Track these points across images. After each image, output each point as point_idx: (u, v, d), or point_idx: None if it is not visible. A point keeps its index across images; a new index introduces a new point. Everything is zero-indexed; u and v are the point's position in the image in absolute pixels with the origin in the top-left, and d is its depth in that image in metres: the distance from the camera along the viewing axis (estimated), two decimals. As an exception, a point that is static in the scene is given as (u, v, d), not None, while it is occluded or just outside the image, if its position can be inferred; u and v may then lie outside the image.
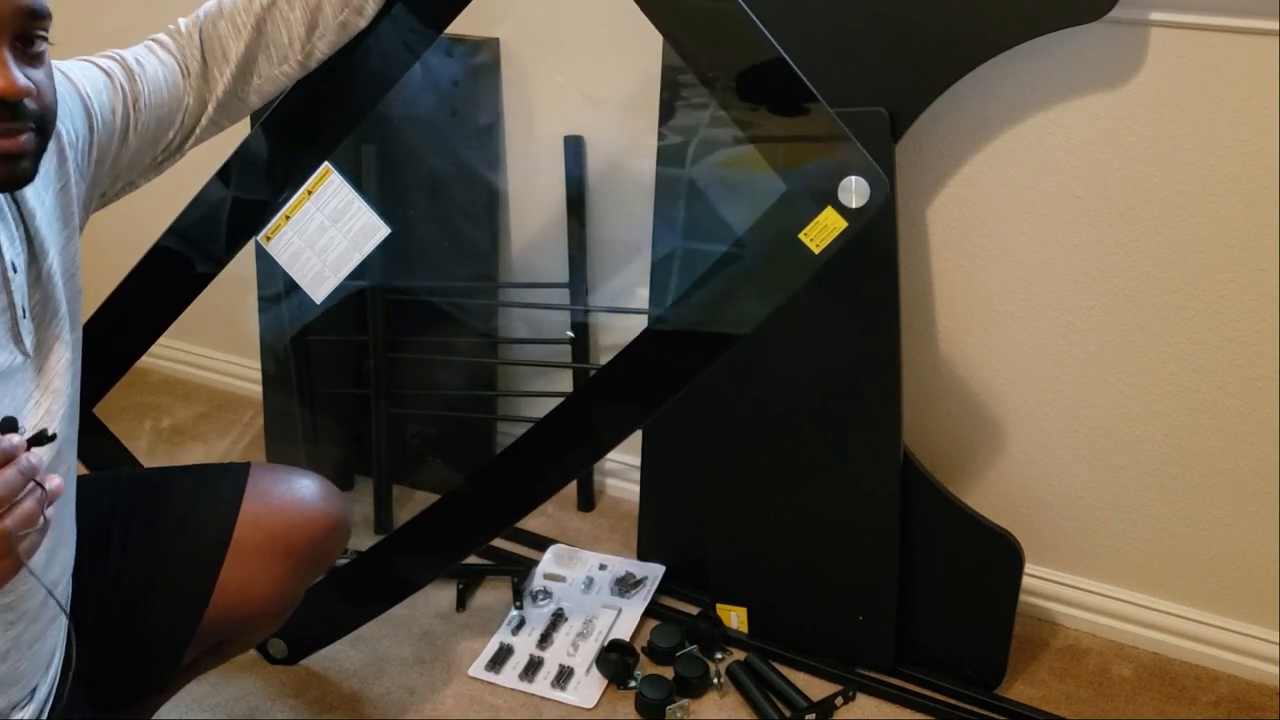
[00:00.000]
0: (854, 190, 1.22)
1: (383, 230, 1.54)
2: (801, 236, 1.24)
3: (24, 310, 1.02)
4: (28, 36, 0.94)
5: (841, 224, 1.23)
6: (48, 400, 1.05)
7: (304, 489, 1.34)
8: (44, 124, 0.97)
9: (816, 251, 1.24)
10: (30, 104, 0.94)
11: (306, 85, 1.37)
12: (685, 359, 1.35)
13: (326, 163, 1.51)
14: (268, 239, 1.55)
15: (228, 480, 1.31)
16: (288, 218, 1.53)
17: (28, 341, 1.03)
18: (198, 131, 1.29)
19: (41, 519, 0.83)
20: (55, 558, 1.09)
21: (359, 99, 1.43)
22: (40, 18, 0.94)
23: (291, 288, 1.61)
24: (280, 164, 1.47)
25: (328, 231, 1.53)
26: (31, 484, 0.82)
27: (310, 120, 1.43)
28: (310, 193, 1.52)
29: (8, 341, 1.00)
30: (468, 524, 1.54)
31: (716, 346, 1.33)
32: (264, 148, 1.46)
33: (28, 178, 0.97)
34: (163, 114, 1.23)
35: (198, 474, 1.35)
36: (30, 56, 0.95)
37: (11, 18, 0.91)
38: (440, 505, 1.54)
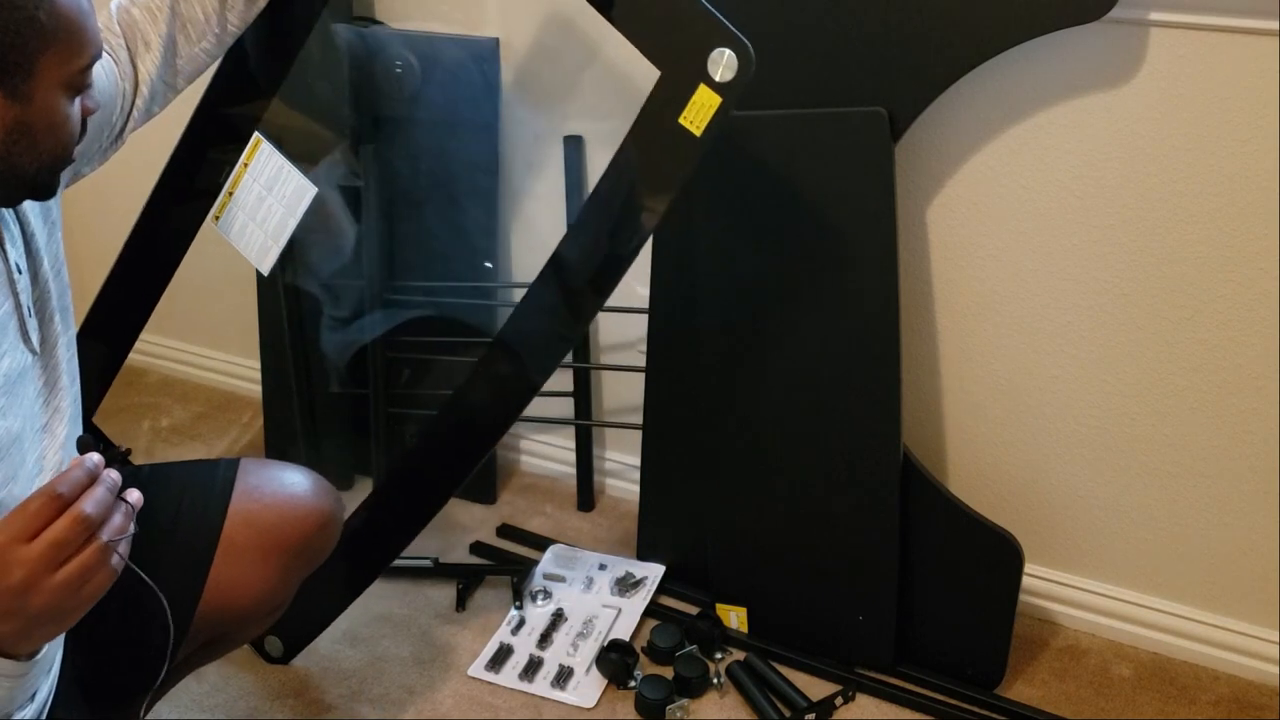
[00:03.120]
0: (723, 64, 1.24)
1: (311, 191, 1.53)
2: (681, 121, 1.27)
3: (29, 309, 1.03)
4: None
5: (716, 100, 1.25)
6: (56, 397, 1.05)
7: (295, 485, 1.32)
8: None
9: (698, 134, 1.27)
10: None
11: (225, 62, 1.45)
12: (599, 275, 1.38)
13: (257, 133, 1.53)
14: (216, 219, 1.55)
15: (217, 477, 1.30)
16: (230, 194, 1.54)
17: (34, 339, 1.03)
18: (135, 116, 1.31)
19: (130, 529, 0.87)
20: None
21: (274, 64, 1.48)
22: None
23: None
24: (217, 142, 1.53)
25: (265, 201, 1.52)
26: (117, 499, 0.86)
27: (235, 94, 1.49)
28: (246, 165, 1.54)
29: (18, 341, 1.01)
30: (408, 505, 1.58)
31: (624, 255, 1.36)
32: (200, 129, 1.52)
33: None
34: (106, 101, 1.25)
35: (188, 470, 1.34)
36: None
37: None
38: (380, 492, 1.60)
